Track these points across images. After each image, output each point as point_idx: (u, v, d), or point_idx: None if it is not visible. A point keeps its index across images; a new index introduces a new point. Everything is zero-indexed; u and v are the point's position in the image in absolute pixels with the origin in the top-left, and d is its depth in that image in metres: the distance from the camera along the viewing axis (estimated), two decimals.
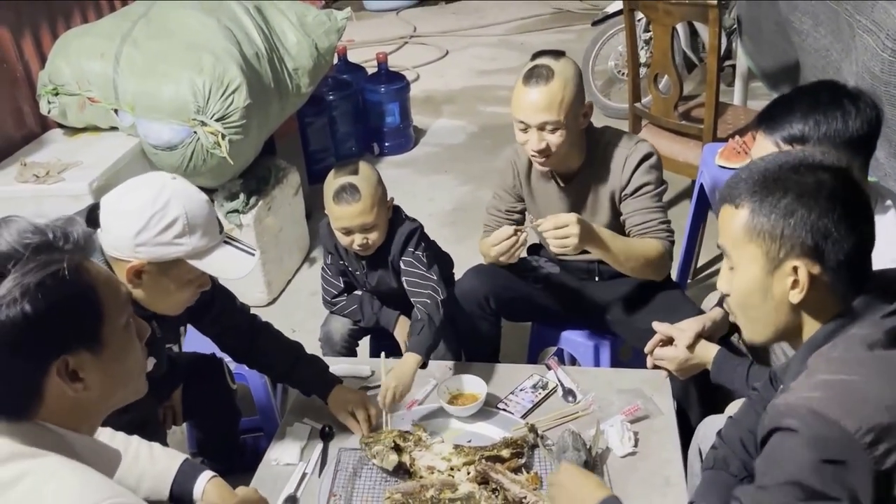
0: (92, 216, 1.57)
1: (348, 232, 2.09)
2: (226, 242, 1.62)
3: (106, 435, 1.44)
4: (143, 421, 1.80)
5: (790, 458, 1.05)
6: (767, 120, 1.56)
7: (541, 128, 1.93)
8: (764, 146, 1.55)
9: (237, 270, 1.60)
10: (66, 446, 1.00)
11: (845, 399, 1.04)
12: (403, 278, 2.15)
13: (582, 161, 2.07)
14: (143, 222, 1.48)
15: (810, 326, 1.18)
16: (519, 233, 1.92)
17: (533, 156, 1.99)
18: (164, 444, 1.81)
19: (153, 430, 1.84)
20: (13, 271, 0.93)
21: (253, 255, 1.65)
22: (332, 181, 2.07)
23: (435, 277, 2.13)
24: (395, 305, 2.27)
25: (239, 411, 2.25)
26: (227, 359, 2.15)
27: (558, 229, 1.82)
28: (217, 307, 1.91)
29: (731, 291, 1.22)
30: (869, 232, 1.15)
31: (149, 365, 1.73)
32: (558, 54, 1.97)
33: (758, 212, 1.14)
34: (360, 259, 2.22)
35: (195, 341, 2.08)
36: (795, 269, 1.12)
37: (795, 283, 1.13)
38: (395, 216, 2.19)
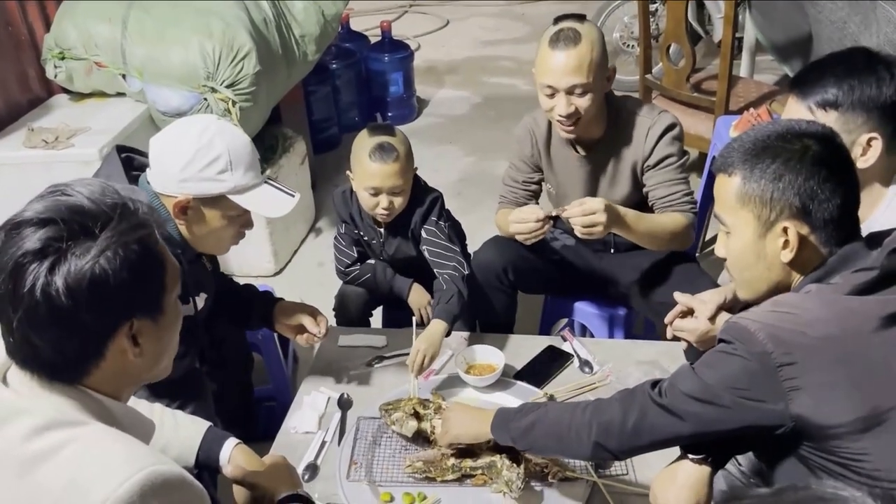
0: (123, 159, 1.67)
1: (377, 192, 2.06)
2: (267, 183, 1.68)
3: (130, 402, 1.43)
4: (192, 367, 1.85)
5: (722, 360, 1.20)
6: (801, 84, 1.55)
7: (569, 91, 1.91)
8: (796, 111, 1.54)
9: (278, 209, 1.68)
10: (108, 414, 1.01)
11: (778, 324, 1.15)
12: (425, 247, 2.14)
13: (603, 130, 2.05)
14: (188, 158, 1.56)
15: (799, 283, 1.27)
16: (547, 221, 1.89)
17: (559, 121, 1.96)
18: (206, 391, 1.88)
19: (198, 376, 1.89)
20: (108, 230, 0.95)
21: (293, 196, 1.70)
22: (368, 139, 2.05)
23: (458, 250, 2.13)
24: (410, 275, 2.26)
25: (252, 357, 2.27)
26: None
27: (586, 216, 1.82)
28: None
29: (728, 255, 1.32)
30: (852, 191, 1.24)
31: (200, 302, 1.79)
32: (580, 17, 1.95)
33: (749, 178, 1.23)
34: (377, 227, 2.21)
35: None
36: (786, 229, 1.21)
37: (786, 243, 1.22)
38: (414, 182, 2.17)
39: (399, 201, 2.09)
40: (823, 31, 2.75)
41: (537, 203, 2.23)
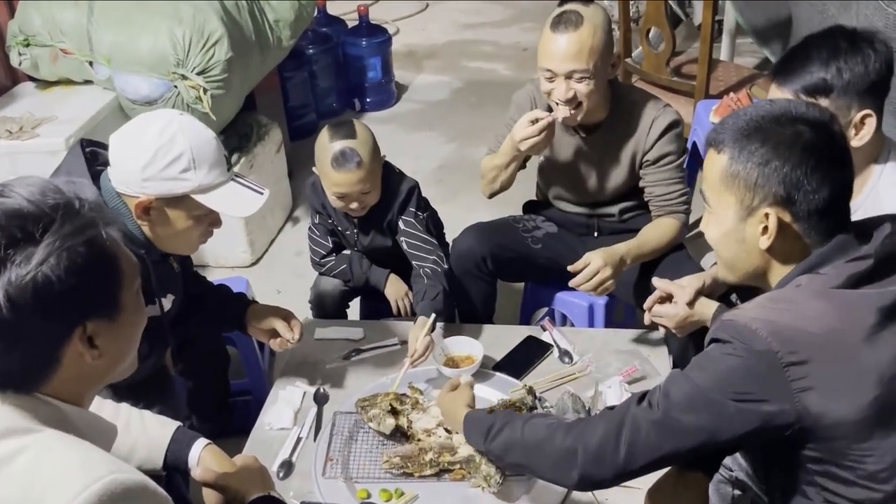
0: (88, 153, 1.60)
1: (344, 197, 2.02)
2: (234, 181, 1.61)
3: (94, 403, 1.39)
4: (159, 367, 1.81)
5: (719, 361, 1.13)
6: (784, 72, 1.52)
7: (568, 76, 1.88)
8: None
9: (245, 208, 1.60)
10: (64, 420, 0.97)
11: (779, 321, 1.10)
12: (403, 238, 2.10)
13: (606, 114, 2.03)
14: (149, 156, 1.49)
15: (778, 271, 1.23)
16: (551, 124, 1.93)
17: (557, 104, 1.94)
18: (173, 391, 1.85)
19: (165, 376, 1.85)
20: (50, 234, 0.90)
21: (262, 193, 1.63)
22: (328, 145, 1.97)
23: (437, 244, 2.11)
24: (386, 264, 2.23)
25: (228, 355, 2.22)
26: None
27: (593, 280, 1.88)
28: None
29: (707, 234, 1.29)
30: (845, 184, 1.19)
31: (167, 303, 1.73)
32: (588, 0, 1.91)
33: (736, 159, 1.18)
34: (350, 218, 2.16)
35: None
36: (767, 215, 1.17)
37: (765, 230, 1.18)
38: (388, 171, 2.12)
39: (371, 199, 2.06)
40: (803, 14, 2.73)
41: (525, 167, 2.21)
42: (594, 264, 1.89)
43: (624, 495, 1.50)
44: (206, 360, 2.12)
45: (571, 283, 1.92)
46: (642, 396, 1.21)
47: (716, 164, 1.22)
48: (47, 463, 0.89)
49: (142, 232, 1.58)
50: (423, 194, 2.21)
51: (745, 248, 1.22)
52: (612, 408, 1.28)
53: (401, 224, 2.11)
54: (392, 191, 2.11)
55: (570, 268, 1.92)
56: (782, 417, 1.09)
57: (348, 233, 2.20)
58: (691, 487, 1.28)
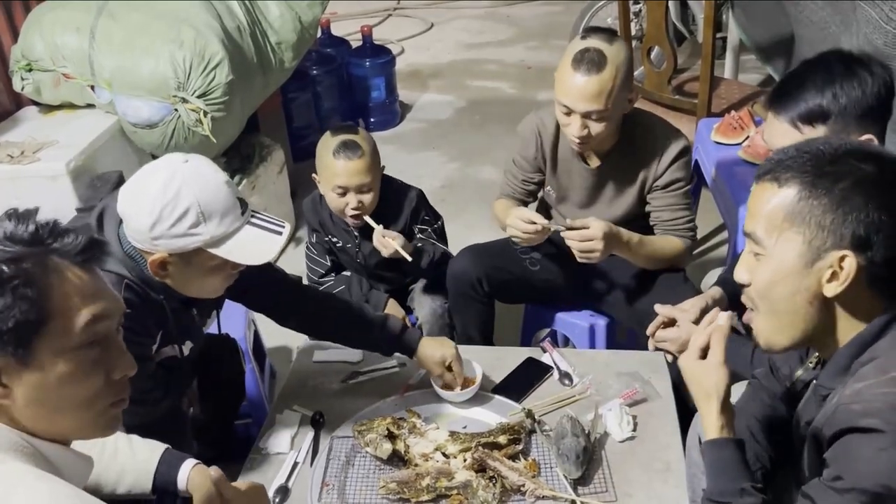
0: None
1: (344, 191, 2.04)
2: (250, 222, 1.50)
3: None
4: (175, 408, 1.79)
5: (875, 459, 0.96)
6: (780, 99, 1.50)
7: (585, 115, 1.86)
8: (779, 128, 1.50)
9: (264, 254, 1.50)
10: (34, 453, 0.94)
11: None
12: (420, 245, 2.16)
13: (615, 142, 2.02)
14: (155, 216, 1.41)
15: (848, 326, 1.08)
16: (546, 232, 1.92)
17: (572, 140, 1.94)
18: (186, 431, 1.83)
19: (181, 417, 1.84)
20: None
21: (281, 233, 1.53)
22: (331, 139, 2.05)
23: (451, 254, 2.20)
24: (387, 278, 2.23)
25: (244, 393, 2.21)
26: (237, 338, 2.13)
27: (584, 242, 1.84)
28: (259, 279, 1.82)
29: (755, 281, 1.12)
30: None
31: (185, 349, 1.70)
32: (611, 36, 1.89)
33: (808, 194, 1.05)
34: (350, 231, 2.16)
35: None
36: (842, 258, 1.03)
37: (834, 276, 1.04)
38: (391, 181, 2.16)
39: (368, 199, 2.07)
40: (805, 32, 2.72)
41: (535, 200, 2.23)
42: (591, 232, 1.84)
43: None
44: (225, 399, 2.12)
45: (562, 234, 1.89)
46: None
47: (776, 198, 1.07)
48: (13, 499, 0.87)
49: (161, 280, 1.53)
50: None
51: (806, 297, 1.07)
52: None
53: (418, 233, 2.16)
54: (401, 196, 2.15)
55: (568, 222, 1.90)
56: None
57: (349, 246, 2.19)
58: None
